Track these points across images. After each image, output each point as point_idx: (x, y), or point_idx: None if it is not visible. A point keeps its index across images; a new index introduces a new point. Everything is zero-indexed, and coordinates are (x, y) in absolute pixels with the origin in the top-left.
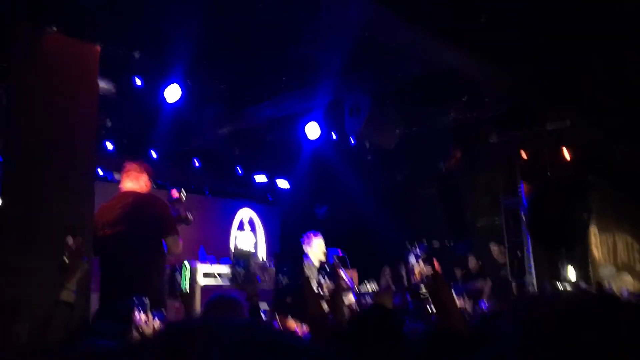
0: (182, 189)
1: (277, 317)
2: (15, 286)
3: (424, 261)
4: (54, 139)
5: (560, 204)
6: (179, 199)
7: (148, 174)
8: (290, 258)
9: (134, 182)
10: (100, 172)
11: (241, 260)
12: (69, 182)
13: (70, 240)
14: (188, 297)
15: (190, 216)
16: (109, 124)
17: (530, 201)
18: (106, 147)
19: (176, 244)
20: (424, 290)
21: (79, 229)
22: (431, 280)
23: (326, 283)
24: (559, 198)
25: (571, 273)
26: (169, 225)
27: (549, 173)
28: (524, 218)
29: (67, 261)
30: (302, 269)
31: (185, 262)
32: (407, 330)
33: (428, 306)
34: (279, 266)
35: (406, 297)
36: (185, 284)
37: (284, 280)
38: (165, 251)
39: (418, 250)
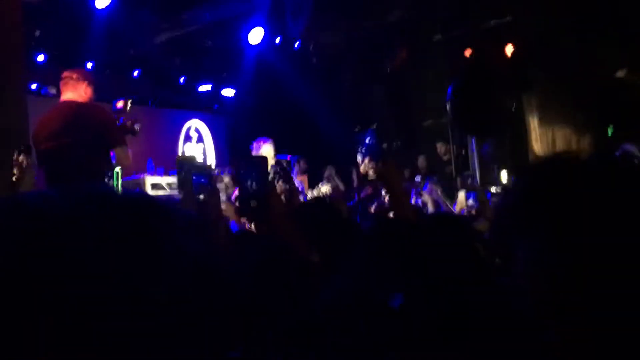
0: (128, 99)
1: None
2: None
3: (370, 157)
4: None
5: (481, 90)
6: (124, 109)
7: (88, 81)
8: (257, 163)
9: (73, 91)
10: (34, 87)
11: (200, 174)
12: None
13: (19, 156)
14: None
15: (137, 127)
16: (37, 34)
17: (452, 88)
18: (37, 59)
19: (125, 155)
20: (369, 174)
21: (26, 144)
22: (380, 169)
23: (279, 186)
24: (480, 85)
25: (504, 177)
26: (115, 135)
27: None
28: (447, 107)
29: (17, 178)
30: (268, 173)
31: (117, 169)
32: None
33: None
34: (247, 171)
35: (355, 196)
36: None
37: (253, 185)
38: (113, 163)
39: (364, 148)
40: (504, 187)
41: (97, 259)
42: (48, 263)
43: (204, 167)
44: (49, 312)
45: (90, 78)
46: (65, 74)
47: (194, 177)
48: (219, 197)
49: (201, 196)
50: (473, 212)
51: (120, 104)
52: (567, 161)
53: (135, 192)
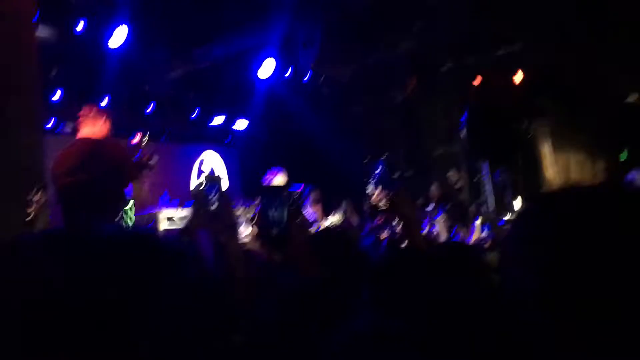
0: (144, 134)
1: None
2: None
3: (382, 187)
4: None
5: (495, 117)
6: (140, 144)
7: (105, 117)
8: (278, 192)
9: (91, 127)
10: (51, 124)
11: (212, 184)
12: (16, 137)
13: (35, 195)
14: None
15: (153, 161)
16: (54, 73)
17: (466, 115)
18: (54, 97)
19: (141, 190)
20: (381, 204)
21: (41, 182)
22: (389, 201)
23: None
24: (493, 112)
25: (517, 204)
26: (132, 171)
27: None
28: (461, 135)
29: (32, 217)
30: (291, 203)
31: (129, 204)
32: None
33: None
34: (268, 201)
35: (366, 225)
36: (128, 223)
37: (275, 214)
38: (128, 198)
39: (376, 178)
40: (515, 216)
41: (93, 302)
42: (43, 302)
43: (216, 178)
44: (49, 348)
45: (108, 114)
46: (83, 112)
47: (207, 188)
48: (231, 204)
49: (212, 207)
50: (487, 244)
51: (136, 139)
52: (578, 195)
53: (140, 233)
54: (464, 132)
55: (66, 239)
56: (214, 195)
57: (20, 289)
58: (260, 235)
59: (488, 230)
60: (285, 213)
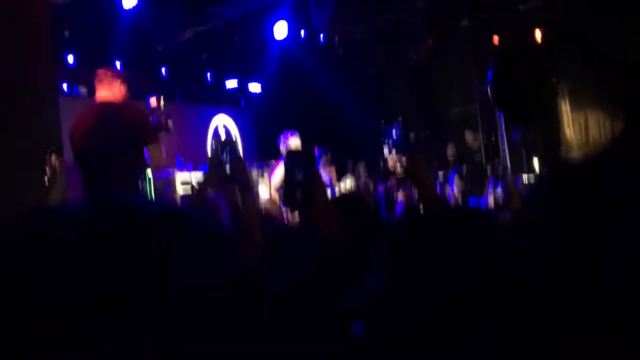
0: (160, 96)
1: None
2: None
3: (397, 150)
4: (6, 54)
5: (524, 68)
6: (157, 106)
7: (121, 79)
8: (302, 155)
9: (108, 89)
10: (65, 87)
11: (226, 147)
12: (31, 99)
13: (51, 157)
14: None
15: (170, 124)
16: (67, 35)
17: (492, 70)
18: (68, 60)
19: (158, 153)
20: (399, 170)
21: (57, 146)
22: (407, 162)
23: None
24: (522, 63)
25: (534, 163)
26: (148, 133)
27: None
28: (488, 90)
29: (48, 179)
30: (315, 165)
31: (148, 170)
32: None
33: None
34: (295, 161)
35: (379, 188)
36: (150, 193)
37: (300, 175)
38: (147, 161)
39: (391, 141)
40: (536, 178)
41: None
42: (57, 273)
43: (230, 141)
44: (53, 318)
45: (124, 76)
46: (100, 71)
47: (220, 151)
48: (246, 166)
49: (227, 168)
50: (500, 202)
51: (153, 101)
52: (593, 165)
53: (159, 207)
54: (487, 90)
55: (80, 216)
56: (229, 158)
57: (27, 281)
58: (286, 198)
59: (503, 189)
60: (311, 177)
